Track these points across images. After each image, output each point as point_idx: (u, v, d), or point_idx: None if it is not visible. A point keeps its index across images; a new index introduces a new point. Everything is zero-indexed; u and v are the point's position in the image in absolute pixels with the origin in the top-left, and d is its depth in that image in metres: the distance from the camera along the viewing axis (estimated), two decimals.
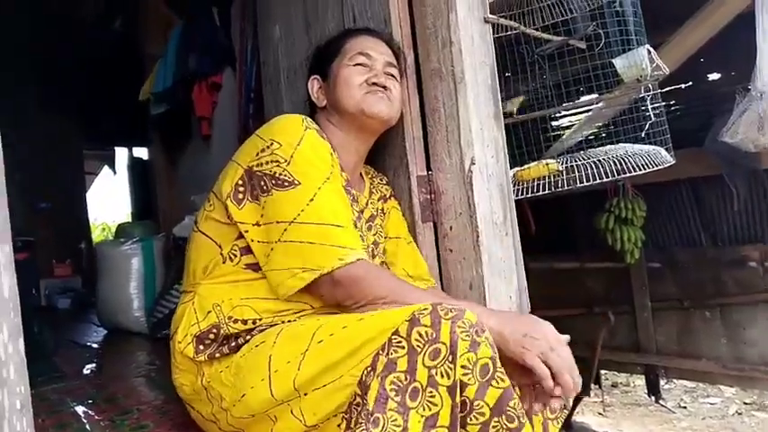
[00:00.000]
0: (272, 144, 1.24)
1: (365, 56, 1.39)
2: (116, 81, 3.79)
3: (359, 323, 1.08)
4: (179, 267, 1.61)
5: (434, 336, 0.98)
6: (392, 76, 1.42)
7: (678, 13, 2.85)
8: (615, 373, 4.75)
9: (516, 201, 1.58)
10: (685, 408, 4.52)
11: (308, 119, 1.30)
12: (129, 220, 5.42)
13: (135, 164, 5.28)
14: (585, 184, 1.45)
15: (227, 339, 1.24)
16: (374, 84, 1.37)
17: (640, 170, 1.46)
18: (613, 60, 1.53)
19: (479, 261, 1.42)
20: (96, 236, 10.19)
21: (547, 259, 4.16)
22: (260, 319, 1.23)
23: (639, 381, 4.41)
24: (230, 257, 1.27)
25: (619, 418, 4.46)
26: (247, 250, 1.26)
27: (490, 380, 0.99)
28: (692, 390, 4.75)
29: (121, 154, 6.21)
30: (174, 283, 2.43)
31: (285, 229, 1.18)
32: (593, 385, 4.12)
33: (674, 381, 4.61)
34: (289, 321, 1.23)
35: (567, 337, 1.09)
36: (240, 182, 1.25)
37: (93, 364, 2.15)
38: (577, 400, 3.84)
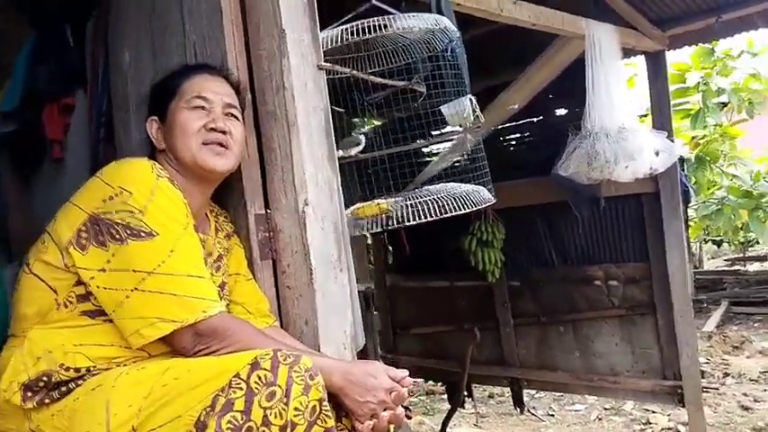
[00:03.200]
0: (121, 192, 1.22)
1: (203, 99, 1.37)
2: None
3: (202, 366, 1.14)
4: None
5: (272, 379, 1.06)
6: (233, 116, 1.41)
7: (528, 53, 3.11)
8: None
9: None
10: (553, 415, 4.83)
11: (158, 165, 1.30)
12: None
13: None
14: (413, 223, 1.56)
15: (57, 385, 1.22)
16: (212, 129, 1.36)
17: (462, 210, 1.60)
18: (441, 107, 1.66)
19: (313, 298, 1.47)
20: None
21: (420, 278, 4.34)
22: (94, 367, 1.23)
23: None
24: (66, 304, 1.25)
25: (493, 428, 4.69)
26: (84, 298, 1.24)
27: (317, 419, 1.09)
28: (559, 398, 5.08)
29: None
30: None
31: (143, 279, 1.18)
32: (466, 398, 4.33)
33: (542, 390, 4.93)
34: (124, 366, 1.23)
35: (404, 372, 1.24)
36: (83, 227, 1.23)
37: None
38: (452, 411, 4.02)
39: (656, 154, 2.45)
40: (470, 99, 1.61)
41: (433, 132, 1.88)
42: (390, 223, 1.57)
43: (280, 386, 1.06)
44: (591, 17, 2.56)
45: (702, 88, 5.38)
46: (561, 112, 3.72)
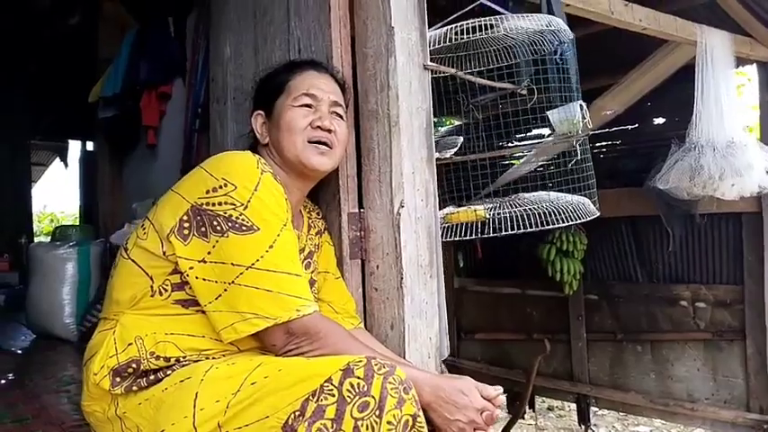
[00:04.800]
0: (225, 185, 1.21)
1: (311, 97, 1.37)
2: (71, 74, 3.70)
3: (293, 366, 1.11)
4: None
5: (366, 389, 1.03)
6: (338, 114, 1.41)
7: (628, 58, 2.97)
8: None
9: None
10: None
11: (262, 160, 1.29)
12: (78, 216, 5.31)
13: (87, 158, 5.16)
14: (509, 233, 1.49)
15: (145, 373, 1.23)
16: (318, 127, 1.36)
17: (564, 223, 1.51)
18: (548, 113, 1.58)
19: (401, 302, 1.43)
20: (44, 226, 9.96)
21: (490, 283, 4.25)
22: (183, 357, 1.22)
23: (574, 405, 4.51)
24: (160, 291, 1.25)
25: None
26: (179, 287, 1.24)
27: None
28: (623, 418, 4.88)
29: (75, 147, 6.06)
30: None
31: (241, 273, 1.17)
32: (527, 408, 4.22)
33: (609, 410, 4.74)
34: (213, 359, 1.23)
35: (498, 390, 1.20)
36: (185, 217, 1.22)
37: (12, 375, 2.09)
38: (513, 421, 3.92)
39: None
40: (581, 105, 1.52)
41: (530, 134, 1.80)
42: (486, 232, 1.51)
43: (373, 397, 1.02)
44: (703, 22, 2.40)
45: None
46: (659, 121, 3.53)
